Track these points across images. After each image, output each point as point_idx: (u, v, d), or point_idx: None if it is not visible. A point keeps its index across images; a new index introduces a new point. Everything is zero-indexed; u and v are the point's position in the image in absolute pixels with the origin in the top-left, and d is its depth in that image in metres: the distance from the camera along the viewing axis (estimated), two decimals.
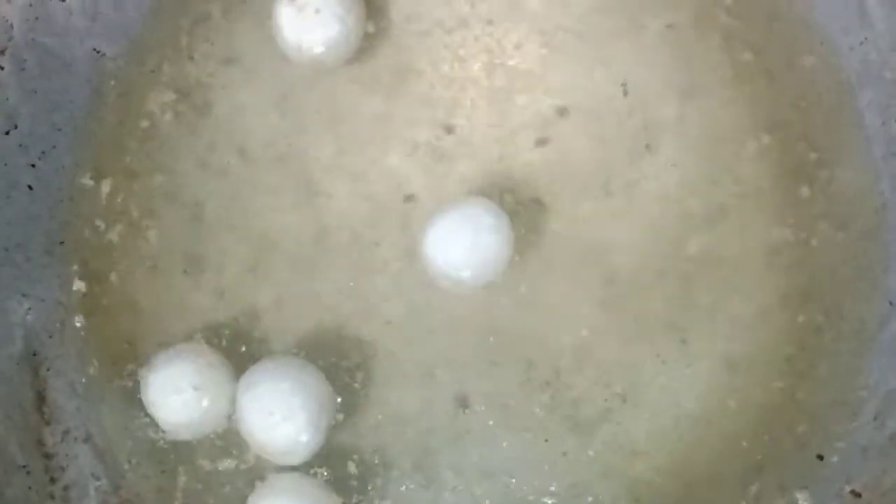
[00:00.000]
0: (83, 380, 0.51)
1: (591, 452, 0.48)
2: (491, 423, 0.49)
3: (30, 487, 0.48)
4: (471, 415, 0.49)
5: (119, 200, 0.52)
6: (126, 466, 0.51)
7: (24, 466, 0.48)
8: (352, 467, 0.49)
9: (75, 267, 0.52)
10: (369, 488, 0.49)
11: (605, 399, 0.49)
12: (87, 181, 0.52)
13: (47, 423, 0.50)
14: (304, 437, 0.46)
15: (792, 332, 0.48)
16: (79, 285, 0.52)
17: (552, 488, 0.48)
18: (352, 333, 0.50)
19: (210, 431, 0.49)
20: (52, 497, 0.49)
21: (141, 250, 0.52)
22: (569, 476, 0.48)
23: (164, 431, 0.49)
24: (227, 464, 0.50)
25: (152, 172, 0.52)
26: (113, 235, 0.52)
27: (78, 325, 0.52)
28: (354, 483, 0.49)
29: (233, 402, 0.48)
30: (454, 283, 0.48)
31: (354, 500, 0.49)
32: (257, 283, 0.51)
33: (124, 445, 0.51)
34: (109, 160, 0.53)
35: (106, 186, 0.52)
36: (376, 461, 0.49)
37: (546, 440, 0.48)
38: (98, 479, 0.50)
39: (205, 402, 0.47)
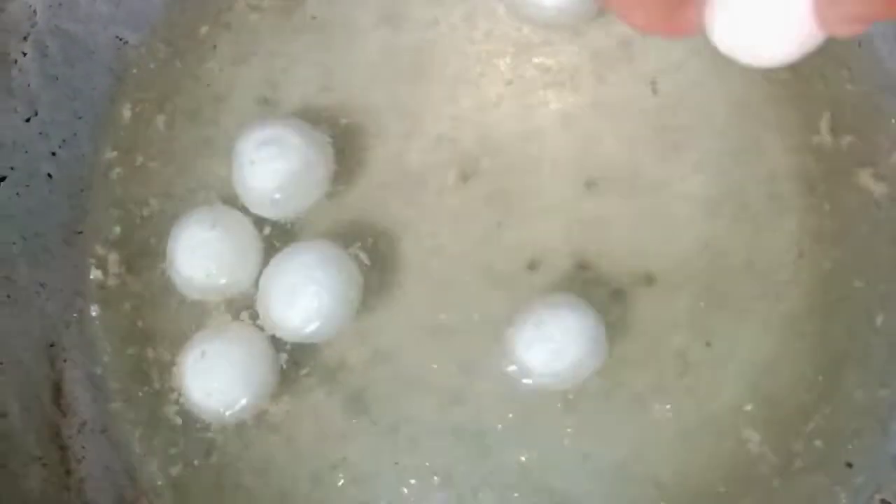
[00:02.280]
0: (100, 370, 0.51)
1: (613, 453, 0.48)
2: (500, 427, 0.48)
3: (45, 480, 0.48)
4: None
5: (137, 189, 0.52)
6: (142, 459, 0.50)
7: (40, 458, 0.48)
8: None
9: (93, 257, 0.51)
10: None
11: (629, 400, 0.48)
12: (107, 168, 0.52)
13: (64, 415, 0.49)
14: (312, 325, 0.46)
15: (822, 337, 0.48)
16: (96, 274, 0.51)
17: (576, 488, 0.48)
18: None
19: (226, 292, 0.49)
20: (68, 489, 0.49)
21: (160, 240, 0.51)
22: (588, 479, 0.48)
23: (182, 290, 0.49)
24: None
25: (172, 161, 0.52)
26: (132, 224, 0.51)
27: (94, 314, 0.51)
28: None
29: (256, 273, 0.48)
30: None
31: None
32: None
33: (141, 438, 0.50)
34: (130, 149, 0.52)
35: (123, 175, 0.52)
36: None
37: (567, 441, 0.48)
38: (114, 471, 0.50)
39: (225, 245, 0.48)
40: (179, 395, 0.49)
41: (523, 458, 0.48)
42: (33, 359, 0.49)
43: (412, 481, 0.48)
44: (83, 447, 0.49)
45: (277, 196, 0.47)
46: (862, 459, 0.47)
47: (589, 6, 0.48)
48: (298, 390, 0.49)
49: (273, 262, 0.47)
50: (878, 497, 0.46)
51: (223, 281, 0.48)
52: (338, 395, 0.49)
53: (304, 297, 0.46)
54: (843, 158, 0.49)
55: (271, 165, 0.47)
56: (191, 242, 0.48)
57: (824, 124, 0.49)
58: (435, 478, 0.48)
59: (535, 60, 0.51)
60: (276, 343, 0.49)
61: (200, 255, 0.48)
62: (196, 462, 0.49)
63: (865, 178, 0.49)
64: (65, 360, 0.50)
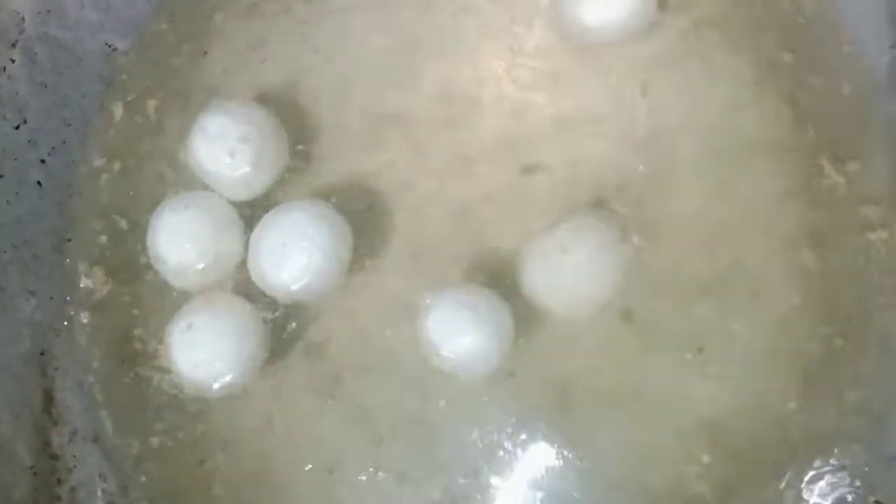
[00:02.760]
0: (90, 379, 0.51)
1: (603, 456, 0.48)
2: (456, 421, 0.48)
3: (37, 489, 0.48)
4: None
5: (126, 196, 0.52)
6: (134, 468, 0.50)
7: (31, 467, 0.48)
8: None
9: (83, 264, 0.51)
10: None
11: (623, 403, 0.48)
12: (96, 175, 0.52)
13: (55, 424, 0.49)
14: (301, 281, 0.47)
15: (814, 341, 0.48)
16: (86, 282, 0.51)
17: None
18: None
19: (217, 270, 0.49)
20: (59, 499, 0.48)
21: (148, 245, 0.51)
22: (579, 485, 0.48)
23: (170, 279, 0.49)
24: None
25: (161, 167, 0.52)
26: (121, 231, 0.51)
27: (85, 322, 0.51)
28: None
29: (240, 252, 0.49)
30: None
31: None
32: None
33: (132, 446, 0.50)
34: (119, 156, 0.52)
35: (112, 182, 0.52)
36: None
37: (558, 445, 0.48)
38: (105, 480, 0.50)
39: (202, 224, 0.48)
40: (176, 395, 0.49)
41: (472, 454, 0.48)
42: (24, 367, 0.49)
43: (363, 476, 0.48)
44: (74, 456, 0.49)
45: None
46: (856, 460, 0.47)
47: (633, 25, 0.49)
48: (283, 366, 0.49)
49: (264, 220, 0.47)
50: (871, 498, 0.46)
51: (210, 258, 0.48)
52: (317, 375, 0.49)
53: (294, 253, 0.46)
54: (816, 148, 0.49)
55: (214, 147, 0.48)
56: (169, 229, 0.48)
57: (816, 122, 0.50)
58: (381, 474, 0.48)
59: (531, 65, 0.51)
60: (287, 316, 0.49)
61: (181, 238, 0.48)
62: (187, 466, 0.49)
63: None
64: (55, 369, 0.50)
